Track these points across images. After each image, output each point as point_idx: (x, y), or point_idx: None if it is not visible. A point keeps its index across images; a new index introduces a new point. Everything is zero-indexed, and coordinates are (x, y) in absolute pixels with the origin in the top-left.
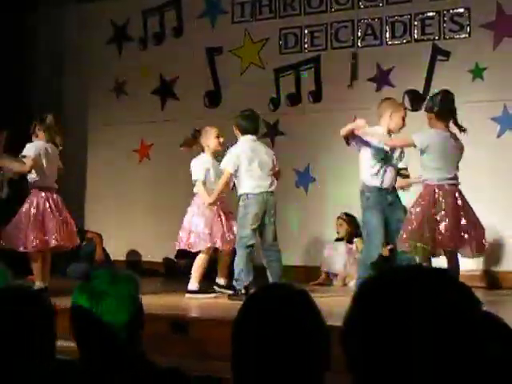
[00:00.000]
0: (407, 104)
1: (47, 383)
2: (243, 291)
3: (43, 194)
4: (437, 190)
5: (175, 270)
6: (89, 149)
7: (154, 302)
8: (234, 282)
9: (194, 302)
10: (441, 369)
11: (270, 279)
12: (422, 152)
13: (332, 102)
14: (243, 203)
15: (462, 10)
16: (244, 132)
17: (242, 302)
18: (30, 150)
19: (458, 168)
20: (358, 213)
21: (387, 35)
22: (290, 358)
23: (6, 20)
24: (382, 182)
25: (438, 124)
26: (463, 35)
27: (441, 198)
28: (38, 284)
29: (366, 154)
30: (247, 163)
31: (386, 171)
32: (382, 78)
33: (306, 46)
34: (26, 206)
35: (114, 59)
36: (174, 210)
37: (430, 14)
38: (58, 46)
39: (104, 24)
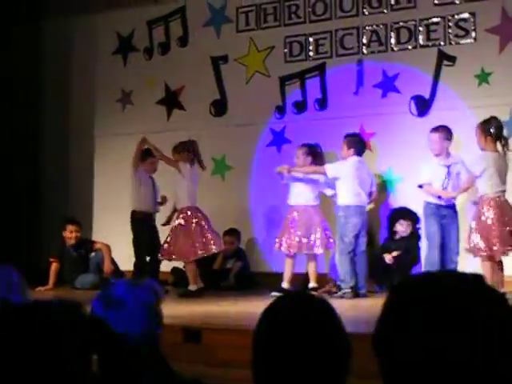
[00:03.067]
0: (413, 110)
1: None
2: (350, 291)
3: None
4: (494, 202)
5: (184, 280)
6: (95, 159)
7: (165, 311)
8: (341, 283)
9: (204, 310)
10: (480, 380)
11: (360, 281)
12: (481, 174)
13: (338, 109)
14: (344, 213)
15: (467, 15)
16: (356, 153)
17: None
18: None
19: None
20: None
21: (392, 41)
22: (312, 365)
23: (10, 31)
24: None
25: (491, 146)
26: (468, 40)
27: (497, 208)
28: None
29: None
30: (352, 179)
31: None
32: (387, 84)
33: (310, 53)
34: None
35: (119, 70)
36: None
37: (435, 19)
38: (63, 57)
39: (109, 34)
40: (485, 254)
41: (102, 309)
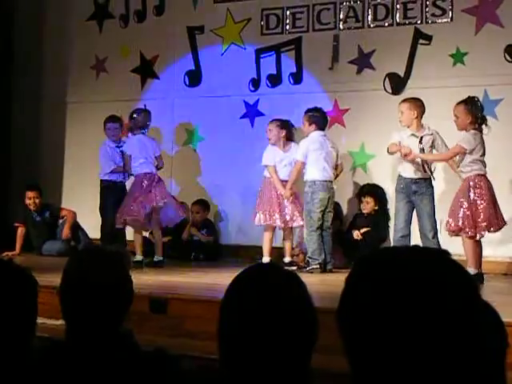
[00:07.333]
0: (388, 87)
1: (30, 361)
2: (318, 267)
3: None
4: (480, 180)
5: (152, 249)
6: (67, 126)
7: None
8: (309, 260)
9: (170, 280)
10: (437, 356)
11: (326, 256)
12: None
13: (312, 84)
14: (311, 189)
15: None
16: (317, 128)
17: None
18: None
19: None
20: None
21: (369, 18)
22: (277, 337)
23: None
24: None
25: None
26: (445, 20)
27: (483, 188)
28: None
29: None
30: (316, 154)
31: None
32: (363, 61)
33: (287, 27)
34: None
35: (94, 36)
36: None
37: None
38: (37, 21)
39: (85, 0)
40: (470, 233)
41: (76, 264)
